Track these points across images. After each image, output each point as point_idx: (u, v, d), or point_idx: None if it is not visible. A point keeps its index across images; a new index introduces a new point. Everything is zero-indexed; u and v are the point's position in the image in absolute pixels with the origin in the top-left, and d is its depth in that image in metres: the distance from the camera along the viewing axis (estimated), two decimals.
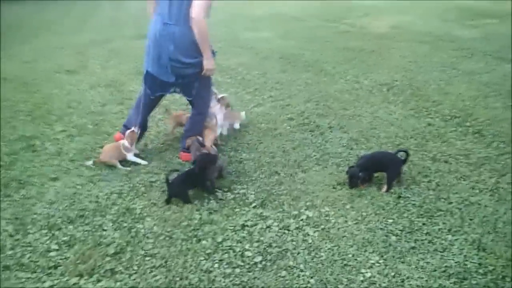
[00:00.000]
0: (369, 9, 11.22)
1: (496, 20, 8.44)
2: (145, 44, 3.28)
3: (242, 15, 11.50)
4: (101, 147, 3.78)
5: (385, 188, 2.89)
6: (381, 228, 2.55)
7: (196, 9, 2.87)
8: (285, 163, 3.36)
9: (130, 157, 3.47)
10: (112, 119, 4.47)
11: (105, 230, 2.63)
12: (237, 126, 4.02)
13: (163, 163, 3.46)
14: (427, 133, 3.72)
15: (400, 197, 2.84)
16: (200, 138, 3.35)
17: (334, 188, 3.00)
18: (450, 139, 3.58)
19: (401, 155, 2.95)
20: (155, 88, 3.36)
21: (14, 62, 7.14)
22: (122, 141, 3.45)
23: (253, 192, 2.99)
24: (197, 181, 2.99)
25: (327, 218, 2.68)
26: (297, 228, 2.61)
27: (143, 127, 3.64)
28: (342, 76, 5.51)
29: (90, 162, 3.46)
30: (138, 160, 3.48)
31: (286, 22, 10.10)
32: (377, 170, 2.99)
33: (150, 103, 3.55)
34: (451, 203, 2.74)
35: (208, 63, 3.14)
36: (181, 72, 3.16)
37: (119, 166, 3.39)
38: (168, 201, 2.91)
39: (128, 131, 3.47)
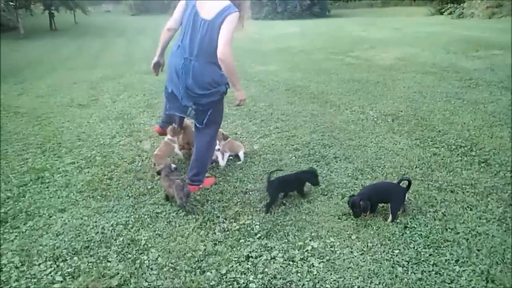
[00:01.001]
0: (375, 42, 11.48)
1: (501, 51, 8.54)
2: (167, 68, 3.38)
3: (252, 50, 11.83)
4: (109, 178, 3.85)
5: (390, 218, 2.86)
6: (387, 259, 2.51)
7: (221, 49, 2.92)
8: (291, 193, 3.36)
9: (176, 149, 4.01)
10: (120, 151, 4.55)
11: (109, 262, 2.64)
12: (241, 156, 4.07)
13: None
14: (432, 163, 3.71)
15: (406, 227, 2.81)
16: (173, 166, 3.38)
17: (339, 218, 2.99)
18: (456, 169, 3.57)
19: (403, 183, 2.94)
20: (174, 108, 3.46)
21: (29, 97, 7.39)
22: (167, 137, 3.94)
23: (258, 223, 2.98)
24: (294, 186, 3.27)
25: (332, 249, 2.66)
26: (302, 259, 2.58)
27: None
28: (348, 107, 5.58)
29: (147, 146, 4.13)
30: (180, 153, 4.11)
31: (293, 55, 10.36)
32: (380, 201, 2.98)
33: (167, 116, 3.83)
34: (458, 233, 2.70)
35: (240, 95, 3.30)
36: (196, 100, 3.22)
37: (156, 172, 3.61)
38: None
39: (170, 126, 3.91)
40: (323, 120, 5.14)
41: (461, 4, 20.08)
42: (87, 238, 2.90)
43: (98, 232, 2.97)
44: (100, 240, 2.87)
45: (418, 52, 9.34)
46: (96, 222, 3.11)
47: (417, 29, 14.62)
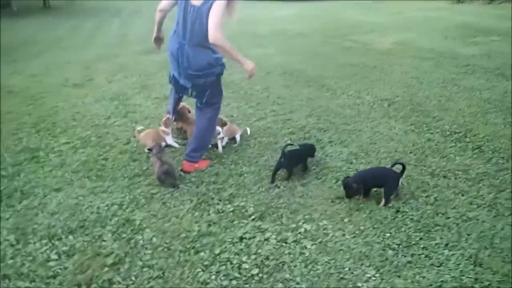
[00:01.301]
0: (373, 26, 11.37)
1: (499, 37, 8.50)
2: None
3: (248, 32, 11.68)
4: (105, 159, 3.86)
5: (383, 202, 2.90)
6: (378, 242, 2.56)
7: (211, 33, 2.96)
8: (285, 176, 3.38)
9: (169, 140, 4.05)
10: (115, 131, 4.54)
11: (104, 241, 2.67)
12: (237, 138, 4.08)
13: None
14: (426, 148, 3.74)
15: (398, 211, 2.85)
16: (163, 144, 3.68)
17: (332, 202, 3.02)
18: (450, 155, 3.60)
19: (397, 168, 2.97)
20: (177, 89, 3.71)
21: (22, 76, 7.30)
22: (160, 127, 4.00)
23: (252, 205, 3.01)
24: (301, 159, 3.44)
25: (324, 231, 2.70)
26: (294, 241, 2.62)
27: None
28: (344, 91, 5.56)
29: (139, 128, 4.11)
30: (174, 144, 4.08)
31: (290, 38, 10.24)
32: (374, 185, 3.01)
33: (176, 97, 3.92)
34: (449, 218, 2.75)
35: (247, 66, 3.34)
36: (195, 81, 3.37)
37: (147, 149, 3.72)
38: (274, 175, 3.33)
39: (164, 117, 3.99)
40: (319, 104, 5.14)
41: None
42: (82, 218, 2.92)
43: (93, 212, 2.99)
44: (95, 219, 2.90)
45: (416, 37, 9.27)
46: (91, 202, 3.12)
47: (415, 13, 14.47)
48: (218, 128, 3.83)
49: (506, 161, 3.43)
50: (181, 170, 3.56)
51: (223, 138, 3.97)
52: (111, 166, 3.73)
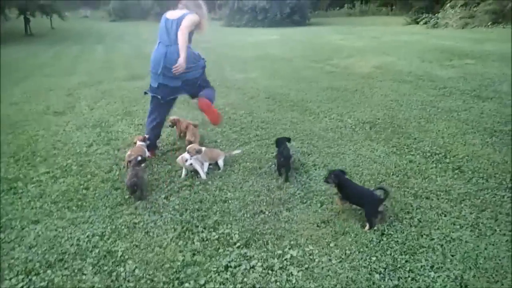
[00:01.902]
0: (353, 51, 11.69)
1: (473, 60, 8.82)
2: (150, 67, 4.18)
3: (233, 57, 11.87)
4: (86, 188, 3.79)
5: (367, 226, 2.90)
6: (364, 266, 2.55)
7: (183, 25, 3.94)
8: (270, 201, 3.37)
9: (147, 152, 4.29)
10: (97, 159, 4.48)
11: (84, 274, 2.58)
12: (221, 164, 4.06)
13: (148, 203, 3.45)
14: (408, 170, 3.79)
15: (383, 234, 2.85)
16: (139, 157, 3.76)
17: (318, 226, 3.01)
18: (431, 176, 3.65)
19: (380, 193, 2.99)
20: (168, 94, 4.24)
21: (3, 104, 7.20)
22: (138, 143, 4.25)
23: (237, 232, 2.97)
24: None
25: (311, 257, 2.67)
26: (281, 268, 2.59)
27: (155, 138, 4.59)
28: (327, 115, 5.64)
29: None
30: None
31: (273, 62, 10.44)
32: (353, 200, 3.09)
33: (164, 109, 4.44)
34: (433, 239, 2.76)
35: (182, 59, 3.92)
36: (184, 77, 4.10)
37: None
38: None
39: (138, 136, 4.38)
40: (302, 128, 5.19)
41: (436, 14, 20.72)
42: (61, 250, 2.83)
43: (73, 244, 2.90)
44: (75, 252, 2.81)
45: (394, 61, 9.55)
46: (71, 233, 3.04)
47: (393, 38, 14.96)
48: (186, 155, 3.81)
49: (486, 181, 3.50)
50: (200, 107, 4.26)
51: (203, 163, 3.96)
52: (92, 195, 3.66)
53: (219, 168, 4.04)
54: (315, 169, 3.93)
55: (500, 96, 5.93)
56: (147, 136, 4.40)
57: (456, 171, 3.71)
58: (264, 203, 3.34)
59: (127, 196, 3.58)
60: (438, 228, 2.86)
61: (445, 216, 3.01)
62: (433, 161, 3.95)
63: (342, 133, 4.88)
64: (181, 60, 3.90)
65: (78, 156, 4.63)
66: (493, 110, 5.30)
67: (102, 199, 3.57)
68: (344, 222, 3.01)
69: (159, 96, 4.23)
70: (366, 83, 7.48)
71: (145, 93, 4.45)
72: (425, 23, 20.94)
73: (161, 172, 4.06)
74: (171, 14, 4.16)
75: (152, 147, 4.53)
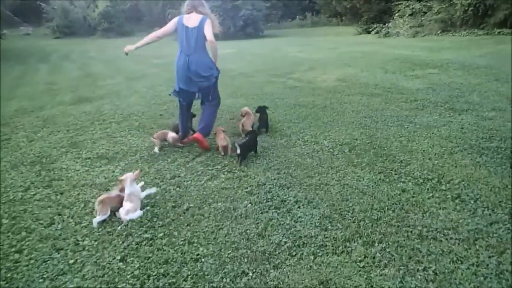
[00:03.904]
0: (313, 63, 11.43)
1: (435, 69, 8.78)
2: (175, 72, 4.71)
3: None
4: (18, 251, 3.01)
5: None
6: None
7: (210, 37, 4.41)
8: (252, 256, 2.77)
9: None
10: (35, 208, 3.70)
11: None
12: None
13: (99, 269, 2.73)
14: (404, 202, 3.34)
15: None
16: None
17: None
18: (431, 208, 3.21)
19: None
20: (186, 98, 4.88)
21: None
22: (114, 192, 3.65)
23: None
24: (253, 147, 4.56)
25: None
26: None
27: (186, 131, 5.21)
28: (300, 137, 5.16)
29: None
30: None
31: (233, 79, 9.89)
32: None
33: (185, 109, 5.04)
34: None
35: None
36: (201, 85, 4.67)
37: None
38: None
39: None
40: (275, 154, 4.66)
41: (386, 24, 21.24)
42: None
43: None
44: None
45: (357, 73, 9.34)
46: None
47: (350, 48, 14.98)
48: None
49: (493, 211, 3.11)
50: (193, 138, 4.80)
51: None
52: (27, 262, 2.89)
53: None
54: (299, 207, 3.39)
55: (474, 108, 5.73)
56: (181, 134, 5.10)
57: (457, 201, 3.30)
58: (246, 260, 2.74)
59: (71, 260, 2.85)
60: (460, 283, 2.39)
61: (461, 263, 2.56)
62: (427, 189, 3.53)
63: (320, 159, 4.40)
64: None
65: (11, 204, 3.81)
66: (472, 124, 5.05)
67: (38, 267, 2.82)
68: (348, 280, 2.48)
69: (180, 99, 4.88)
70: (334, 98, 7.12)
71: (170, 94, 5.13)
72: (377, 32, 21.40)
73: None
74: (188, 21, 4.50)
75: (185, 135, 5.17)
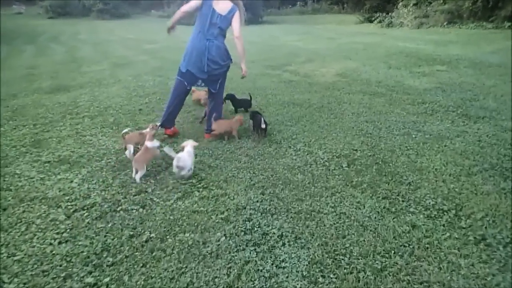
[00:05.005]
0: (311, 54, 10.68)
1: (443, 66, 8.06)
2: (186, 52, 4.49)
3: (178, 61, 10.44)
4: None
5: None
6: None
7: (238, 32, 4.31)
8: None
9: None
10: None
11: None
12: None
13: None
14: (415, 244, 2.67)
15: None
16: None
17: None
18: (449, 256, 2.54)
19: None
20: (192, 82, 4.57)
21: None
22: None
23: None
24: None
25: None
26: None
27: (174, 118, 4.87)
28: (291, 145, 4.48)
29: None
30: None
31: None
32: None
33: (183, 94, 4.74)
34: None
35: (244, 67, 4.62)
36: (213, 72, 4.46)
37: None
38: None
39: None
40: (261, 165, 3.99)
41: (390, 13, 20.34)
42: None
43: None
44: None
45: (359, 67, 8.62)
46: None
47: (351, 39, 14.20)
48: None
49: None
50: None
51: None
52: None
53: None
54: (283, 246, 2.72)
55: (491, 115, 5.04)
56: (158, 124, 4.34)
57: (481, 245, 2.63)
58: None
59: None
60: None
61: None
62: (443, 226, 2.85)
63: (314, 175, 3.72)
64: (245, 67, 4.60)
65: None
66: (491, 136, 4.37)
67: None
68: None
69: (185, 82, 4.56)
70: (333, 96, 6.42)
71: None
72: (379, 22, 20.53)
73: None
74: (218, 5, 4.27)
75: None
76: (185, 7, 4.36)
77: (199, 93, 6.07)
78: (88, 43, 16.78)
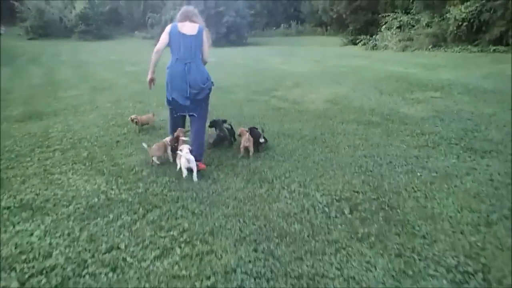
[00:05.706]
0: (298, 78, 10.38)
1: (437, 92, 7.80)
2: (166, 82, 4.42)
3: (161, 85, 9.98)
4: None
5: None
6: None
7: (206, 54, 4.45)
8: None
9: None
10: None
11: None
12: None
13: None
14: None
15: None
16: None
17: None
18: None
19: None
20: (177, 110, 4.51)
21: None
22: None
23: None
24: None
25: None
26: None
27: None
28: (285, 185, 4.02)
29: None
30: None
31: (211, 94, 8.71)
32: None
33: (175, 121, 4.78)
34: None
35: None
36: (195, 97, 4.36)
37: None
38: None
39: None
40: (252, 211, 3.50)
41: (374, 36, 20.43)
42: None
43: None
44: None
45: (349, 92, 8.31)
46: None
47: (338, 62, 14.04)
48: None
49: None
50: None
51: None
52: None
53: None
54: None
55: (498, 148, 4.68)
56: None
57: None
58: None
59: None
60: None
61: None
62: None
63: (313, 225, 3.25)
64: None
65: None
66: (503, 174, 3.98)
67: None
68: None
69: (174, 110, 4.56)
70: (325, 125, 6.03)
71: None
72: (364, 44, 20.59)
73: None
74: (184, 28, 4.29)
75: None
76: (159, 46, 4.33)
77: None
78: (68, 65, 16.23)
